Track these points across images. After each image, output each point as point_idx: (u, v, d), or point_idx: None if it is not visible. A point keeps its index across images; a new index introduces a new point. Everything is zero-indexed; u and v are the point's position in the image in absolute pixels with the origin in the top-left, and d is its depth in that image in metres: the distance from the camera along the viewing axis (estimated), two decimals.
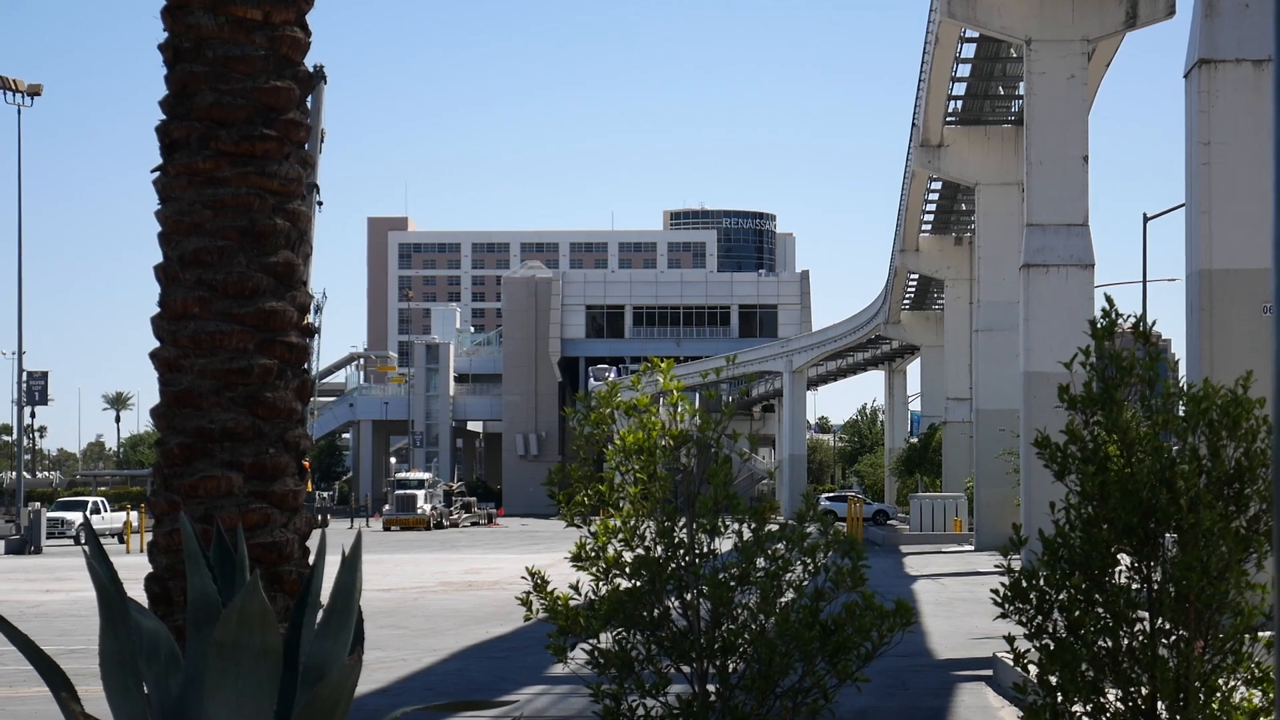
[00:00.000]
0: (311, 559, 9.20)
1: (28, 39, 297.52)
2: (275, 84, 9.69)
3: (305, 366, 9.87)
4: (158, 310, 9.64)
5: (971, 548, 57.00)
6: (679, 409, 10.84)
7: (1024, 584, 9.93)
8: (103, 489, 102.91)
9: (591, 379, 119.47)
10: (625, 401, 10.95)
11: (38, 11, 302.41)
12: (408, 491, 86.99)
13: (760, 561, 10.44)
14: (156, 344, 9.68)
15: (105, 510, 70.46)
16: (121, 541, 66.03)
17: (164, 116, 9.73)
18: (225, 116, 9.55)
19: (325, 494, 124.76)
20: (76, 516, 67.87)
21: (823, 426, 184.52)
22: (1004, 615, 10.10)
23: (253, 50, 9.64)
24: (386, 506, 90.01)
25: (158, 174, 9.72)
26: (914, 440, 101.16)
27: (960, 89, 56.95)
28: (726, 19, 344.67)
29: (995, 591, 10.05)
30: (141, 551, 52.31)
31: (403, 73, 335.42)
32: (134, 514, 67.55)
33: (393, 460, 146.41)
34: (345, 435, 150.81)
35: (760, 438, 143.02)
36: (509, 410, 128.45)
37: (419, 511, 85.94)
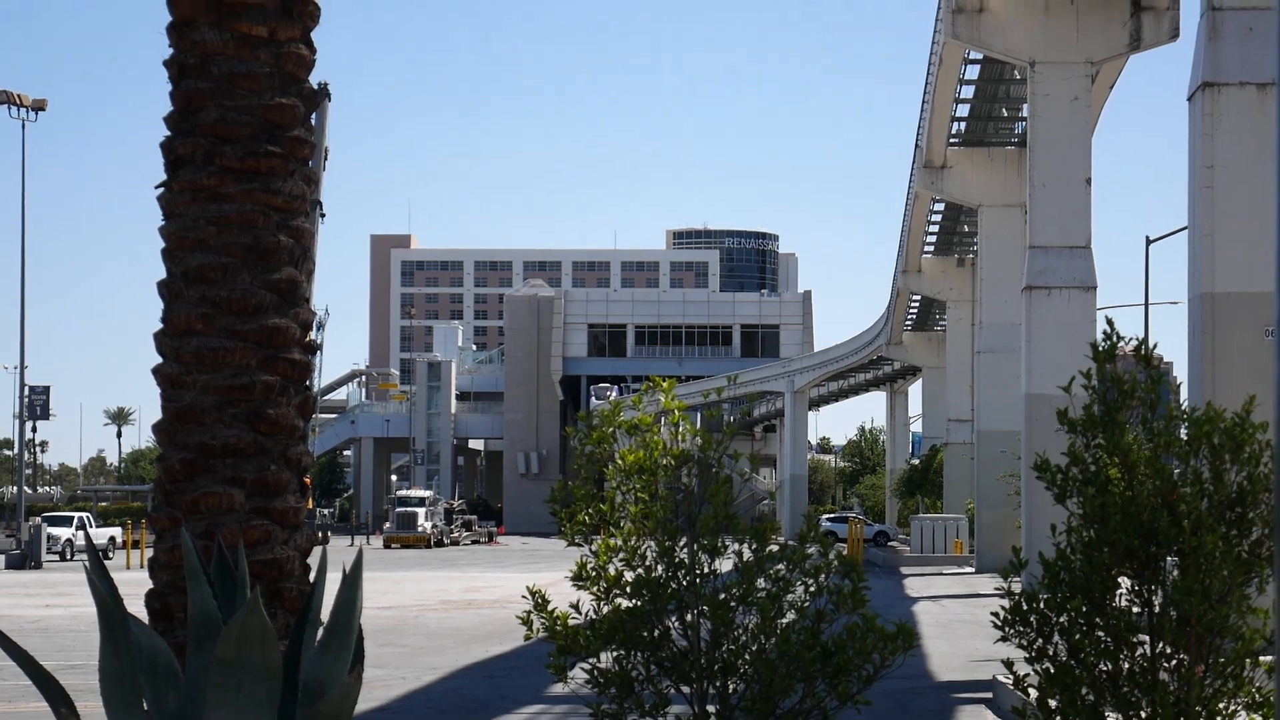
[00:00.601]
0: (312, 576, 9.19)
1: (32, 52, 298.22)
2: (280, 101, 9.70)
3: (307, 383, 9.87)
4: (161, 326, 9.66)
5: (972, 570, 56.90)
6: (680, 428, 10.84)
7: (1024, 607, 9.92)
8: (103, 504, 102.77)
9: (593, 398, 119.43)
10: (627, 421, 10.95)
11: (43, 25, 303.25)
12: (408, 509, 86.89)
13: (761, 582, 10.43)
14: (159, 360, 9.69)
15: (91, 525, 70.28)
16: (108, 558, 66.01)
17: (169, 132, 9.75)
18: (230, 133, 9.56)
19: (326, 511, 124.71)
20: (63, 532, 67.81)
21: (824, 447, 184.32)
22: (1004, 638, 10.09)
23: (258, 67, 9.66)
24: (387, 524, 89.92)
25: (162, 190, 9.74)
26: (915, 461, 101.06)
27: (964, 110, 56.99)
28: (730, 39, 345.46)
29: (996, 614, 10.04)
30: (141, 567, 52.26)
31: (407, 91, 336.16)
32: (121, 531, 67.47)
33: (394, 478, 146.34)
34: (346, 452, 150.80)
35: (761, 458, 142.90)
36: (510, 428, 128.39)
37: (420, 529, 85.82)
